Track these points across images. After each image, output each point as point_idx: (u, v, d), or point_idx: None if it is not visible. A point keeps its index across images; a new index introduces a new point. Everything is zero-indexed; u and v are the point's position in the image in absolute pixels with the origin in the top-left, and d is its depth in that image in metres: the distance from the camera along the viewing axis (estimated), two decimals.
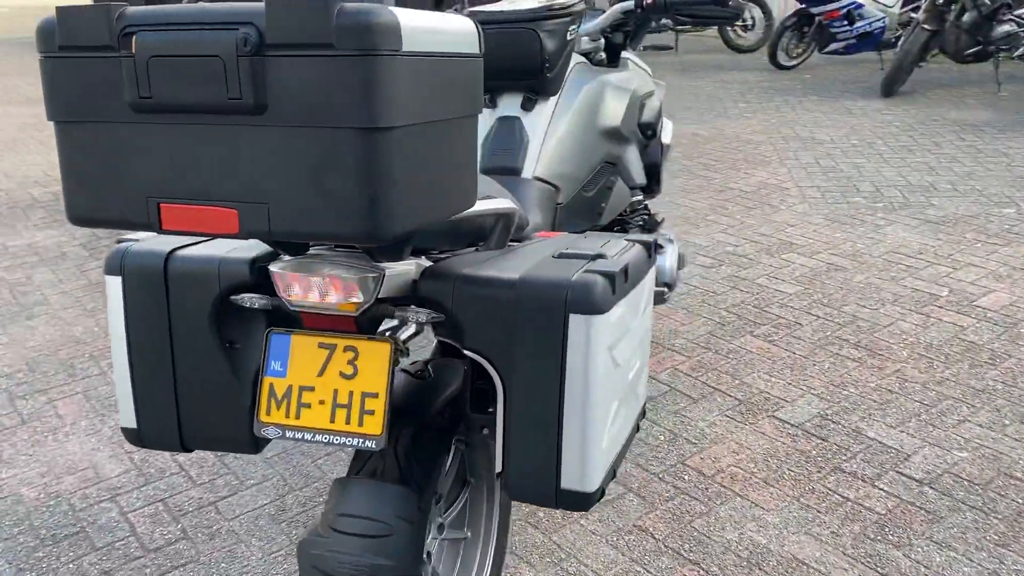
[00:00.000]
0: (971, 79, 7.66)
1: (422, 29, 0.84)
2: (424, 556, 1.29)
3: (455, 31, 0.91)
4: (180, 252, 1.14)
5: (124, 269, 1.15)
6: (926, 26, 6.66)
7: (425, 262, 1.14)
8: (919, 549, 1.80)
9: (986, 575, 1.72)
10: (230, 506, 2.01)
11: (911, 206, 4.15)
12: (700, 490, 2.02)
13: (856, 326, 2.86)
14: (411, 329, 1.25)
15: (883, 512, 1.92)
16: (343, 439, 1.06)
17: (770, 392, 2.45)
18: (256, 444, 1.16)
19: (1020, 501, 1.94)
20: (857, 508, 1.94)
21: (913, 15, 7.48)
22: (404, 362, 1.38)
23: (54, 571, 1.80)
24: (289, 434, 1.08)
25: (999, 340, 2.73)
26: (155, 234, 1.13)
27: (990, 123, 5.88)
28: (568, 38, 1.73)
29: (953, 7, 6.75)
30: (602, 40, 2.08)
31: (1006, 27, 6.74)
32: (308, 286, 1.03)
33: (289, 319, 1.13)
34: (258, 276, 1.11)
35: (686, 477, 2.07)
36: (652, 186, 2.25)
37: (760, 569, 1.75)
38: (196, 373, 1.15)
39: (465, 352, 1.06)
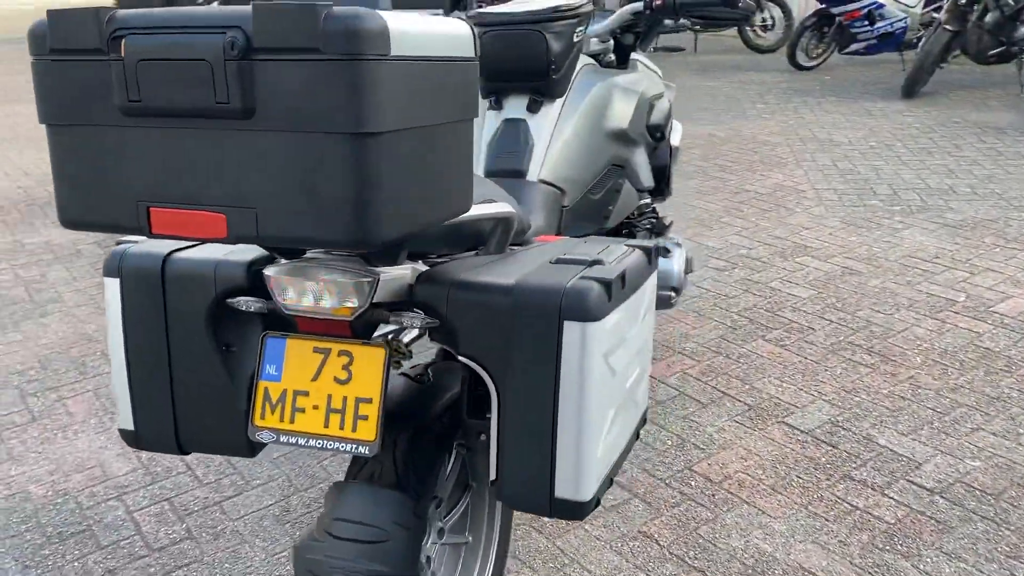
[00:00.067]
0: (994, 80, 7.57)
1: (413, 33, 0.83)
2: (424, 561, 1.28)
3: (448, 34, 0.90)
4: (177, 255, 1.14)
5: (122, 271, 1.15)
6: (948, 26, 6.58)
7: (422, 266, 1.13)
8: (928, 560, 1.77)
9: None
10: (235, 506, 2.01)
11: (929, 209, 4.10)
12: (707, 496, 2.00)
13: (870, 331, 2.82)
14: (414, 332, 1.25)
15: (892, 521, 1.89)
16: (336, 444, 1.06)
17: (780, 397, 2.42)
18: (252, 448, 1.16)
19: None
20: (866, 517, 1.91)
21: (935, 15, 7.40)
22: (405, 365, 1.38)
23: (59, 569, 1.81)
24: (283, 439, 1.08)
25: (1016, 347, 2.69)
26: None
27: (1012, 125, 5.80)
28: (575, 40, 1.72)
29: (976, 7, 6.66)
30: (611, 41, 2.06)
31: None
32: (302, 290, 1.03)
33: (285, 323, 1.13)
34: (255, 279, 1.11)
35: (693, 483, 2.05)
36: (661, 188, 2.23)
37: None
38: (192, 376, 1.15)
39: (459, 358, 1.05)
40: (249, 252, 1.14)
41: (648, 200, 2.20)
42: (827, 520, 1.90)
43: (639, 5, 1.96)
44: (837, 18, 7.95)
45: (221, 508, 2.00)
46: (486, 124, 1.77)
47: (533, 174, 1.69)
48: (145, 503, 2.03)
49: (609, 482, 1.11)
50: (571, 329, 0.99)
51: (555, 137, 1.73)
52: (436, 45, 0.87)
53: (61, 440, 2.31)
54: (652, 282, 1.24)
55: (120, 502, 2.03)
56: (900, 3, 7.70)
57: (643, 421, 1.28)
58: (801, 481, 2.05)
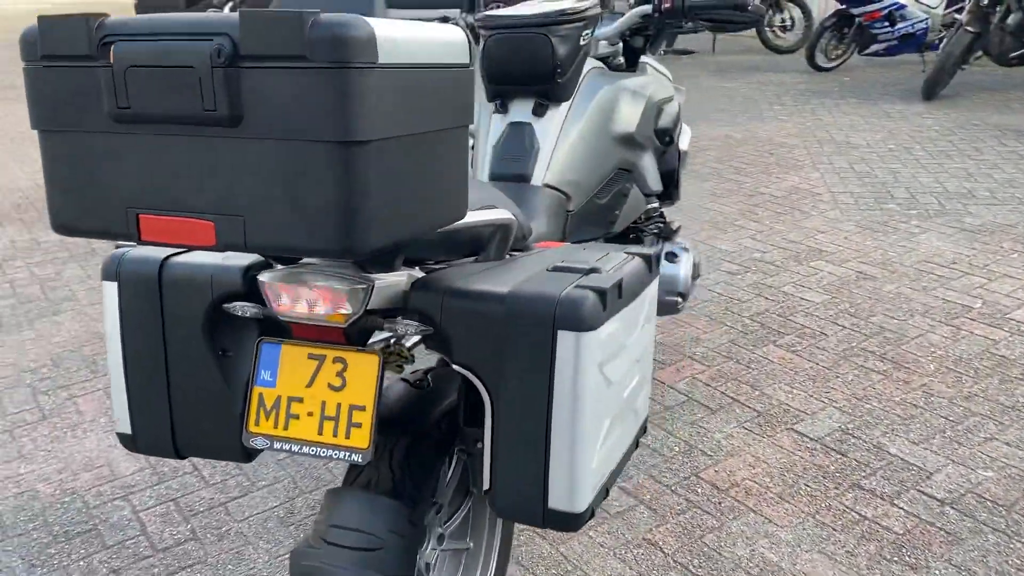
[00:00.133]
0: (1015, 82, 7.46)
1: (403, 40, 0.82)
2: (422, 567, 1.27)
3: (441, 41, 0.89)
4: (174, 259, 1.14)
5: (120, 275, 1.15)
6: (970, 28, 6.50)
7: (418, 273, 1.12)
8: (937, 572, 1.74)
9: None
10: (240, 507, 2.01)
11: (947, 214, 4.05)
12: (713, 504, 1.98)
13: (883, 337, 2.79)
14: (415, 337, 1.24)
15: (901, 532, 1.87)
16: (330, 452, 1.05)
17: (790, 404, 2.40)
18: (247, 453, 1.16)
19: None
20: (874, 527, 1.88)
21: (957, 16, 7.31)
22: (406, 370, 1.37)
23: (64, 568, 1.82)
24: (277, 445, 1.08)
25: None
26: None
27: None
28: (581, 43, 1.70)
29: (998, 8, 6.58)
30: (620, 44, 2.04)
31: None
32: (296, 297, 1.02)
33: (281, 328, 1.12)
34: (251, 285, 1.10)
35: (699, 490, 2.03)
36: (669, 193, 2.21)
37: None
38: (189, 380, 1.15)
39: (453, 366, 1.05)
40: (246, 257, 1.14)
41: (656, 204, 2.18)
42: (835, 530, 1.88)
43: (648, 8, 1.94)
44: (857, 19, 7.86)
45: (226, 509, 2.01)
46: (491, 128, 1.76)
47: (538, 178, 1.67)
48: (151, 503, 2.03)
49: (605, 492, 1.10)
50: (565, 339, 0.97)
51: (561, 141, 1.71)
52: (428, 52, 0.86)
53: (70, 439, 2.32)
54: (653, 289, 1.23)
55: (127, 502, 2.04)
56: (921, 4, 7.61)
57: (643, 430, 1.26)
58: (809, 489, 2.02)
